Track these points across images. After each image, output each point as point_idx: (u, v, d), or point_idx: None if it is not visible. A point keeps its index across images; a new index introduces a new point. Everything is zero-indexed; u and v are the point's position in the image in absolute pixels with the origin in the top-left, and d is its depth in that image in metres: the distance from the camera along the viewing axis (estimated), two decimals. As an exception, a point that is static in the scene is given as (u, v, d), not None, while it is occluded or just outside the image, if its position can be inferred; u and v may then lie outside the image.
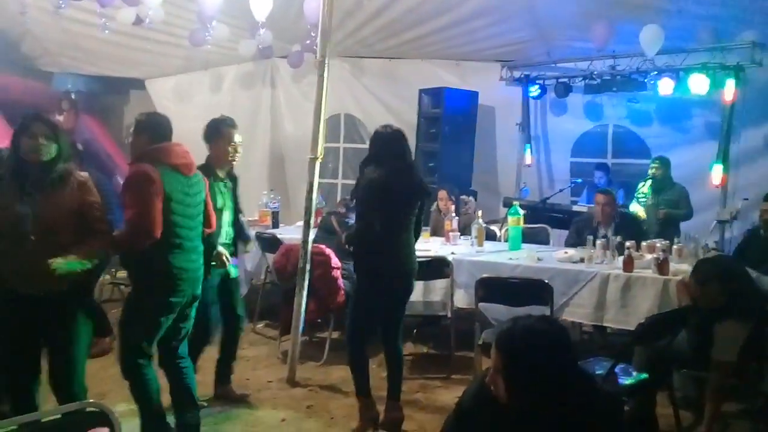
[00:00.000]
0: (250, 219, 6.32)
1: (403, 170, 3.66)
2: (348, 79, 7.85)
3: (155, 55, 7.76)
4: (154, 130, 3.27)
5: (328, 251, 4.86)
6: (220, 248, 3.76)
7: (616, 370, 3.25)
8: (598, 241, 4.66)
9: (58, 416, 2.13)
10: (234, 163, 3.96)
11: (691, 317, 3.52)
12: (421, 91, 7.31)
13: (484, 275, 4.30)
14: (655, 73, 6.23)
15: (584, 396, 1.84)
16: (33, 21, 7.02)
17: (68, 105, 8.96)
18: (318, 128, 4.38)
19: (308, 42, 6.29)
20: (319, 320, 5.05)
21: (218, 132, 3.89)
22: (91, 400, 2.23)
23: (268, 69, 8.34)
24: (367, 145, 8.04)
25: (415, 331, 5.31)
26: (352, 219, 4.70)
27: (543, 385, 1.78)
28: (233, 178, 4.08)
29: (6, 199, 2.89)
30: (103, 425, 2.05)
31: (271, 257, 5.38)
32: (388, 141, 3.72)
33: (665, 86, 6.15)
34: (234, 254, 4.04)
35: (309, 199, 4.39)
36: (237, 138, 3.92)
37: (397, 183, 3.61)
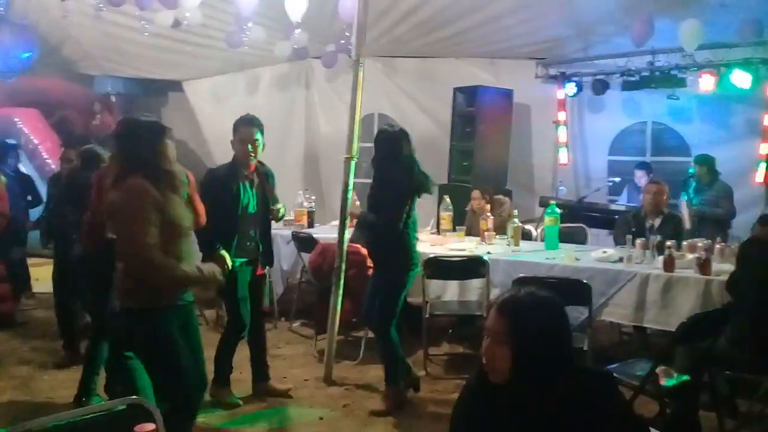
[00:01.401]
0: (285, 219, 6.39)
1: (413, 168, 3.99)
2: (382, 78, 7.86)
3: (193, 57, 7.87)
4: None
5: (364, 251, 4.87)
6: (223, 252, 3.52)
7: (657, 371, 3.20)
8: (638, 241, 4.58)
9: (104, 412, 2.19)
10: (250, 160, 3.89)
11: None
12: (456, 89, 7.28)
13: (521, 275, 4.26)
14: (696, 69, 6.10)
15: (579, 374, 1.74)
16: (74, 25, 7.19)
17: (100, 107, 9.15)
18: (353, 128, 4.40)
19: (342, 42, 6.33)
20: (354, 319, 5.07)
21: (235, 130, 3.91)
22: (134, 397, 2.27)
23: (302, 70, 8.40)
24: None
25: (450, 330, 5.30)
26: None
27: (550, 352, 1.67)
28: (267, 175, 4.09)
29: None
30: (147, 421, 2.10)
31: (306, 257, 5.42)
32: (399, 139, 3.98)
33: (706, 82, 6.01)
34: (262, 253, 4.07)
35: (344, 198, 4.41)
36: (255, 136, 3.85)
37: (415, 181, 3.94)
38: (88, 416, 2.12)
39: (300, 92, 8.53)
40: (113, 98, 9.31)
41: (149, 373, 2.99)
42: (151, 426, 1.65)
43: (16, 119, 8.09)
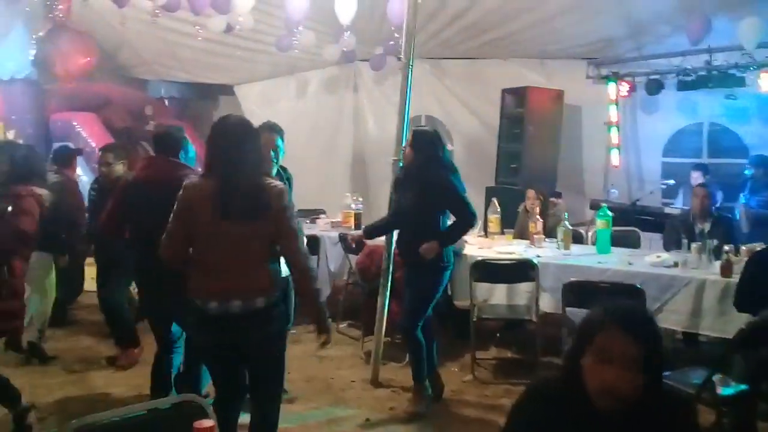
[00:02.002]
0: (333, 220, 6.45)
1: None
2: (430, 80, 7.84)
3: (244, 62, 8.01)
4: None
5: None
6: None
7: (714, 379, 3.10)
8: (693, 245, 4.44)
9: (159, 408, 2.24)
10: (272, 166, 3.84)
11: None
12: (504, 90, 7.22)
13: (572, 279, 4.19)
14: (755, 68, 5.89)
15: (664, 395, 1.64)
16: (130, 31, 7.40)
17: (151, 111, 9.39)
18: (402, 130, 4.40)
19: (392, 44, 6.34)
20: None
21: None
22: (191, 394, 2.32)
23: (351, 73, 8.45)
24: (449, 147, 8.06)
25: (498, 335, 5.25)
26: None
27: (661, 374, 1.59)
28: (288, 180, 4.05)
29: None
30: (202, 417, 2.14)
31: (353, 258, 5.45)
32: (439, 139, 4.06)
33: (766, 82, 5.81)
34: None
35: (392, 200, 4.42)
36: (277, 142, 3.80)
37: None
38: (143, 412, 2.18)
39: (348, 95, 8.58)
40: (166, 102, 9.54)
41: (266, 375, 2.91)
42: (210, 422, 1.67)
43: (74, 123, 8.37)
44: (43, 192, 3.75)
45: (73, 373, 4.69)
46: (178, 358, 3.76)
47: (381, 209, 5.90)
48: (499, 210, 5.59)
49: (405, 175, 4.10)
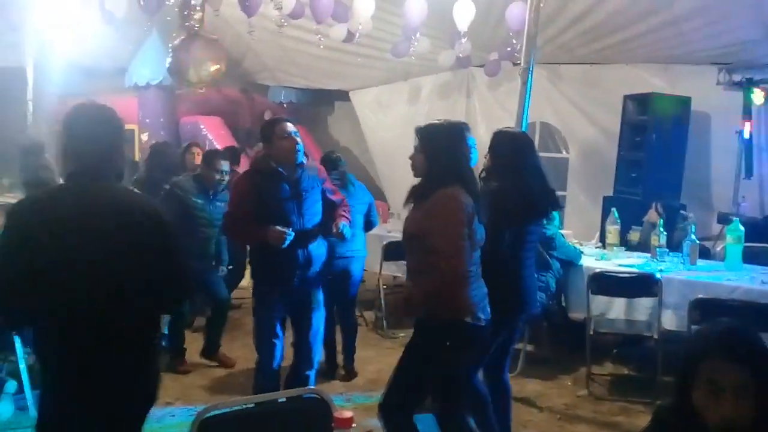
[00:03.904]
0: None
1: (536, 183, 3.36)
2: (545, 86, 7.67)
3: (360, 68, 8.18)
4: None
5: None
6: None
7: None
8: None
9: (284, 400, 2.33)
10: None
11: None
12: (626, 97, 6.93)
13: (700, 296, 3.96)
14: None
15: None
16: (255, 39, 7.76)
17: (270, 116, 9.77)
18: (520, 136, 4.34)
19: (509, 49, 6.27)
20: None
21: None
22: (312, 387, 2.40)
23: (464, 78, 8.43)
24: (564, 154, 7.87)
25: (615, 350, 5.05)
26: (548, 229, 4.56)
27: None
28: None
29: None
30: (323, 412, 2.21)
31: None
32: (525, 144, 3.45)
33: None
34: None
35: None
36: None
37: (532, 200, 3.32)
38: (268, 402, 2.28)
39: (461, 100, 8.56)
40: (284, 106, 9.93)
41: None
42: (349, 413, 1.72)
43: (201, 126, 8.91)
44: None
45: (196, 364, 4.92)
46: None
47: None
48: (619, 221, 5.38)
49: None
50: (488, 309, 2.80)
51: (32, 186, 4.83)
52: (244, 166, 6.27)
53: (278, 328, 3.60)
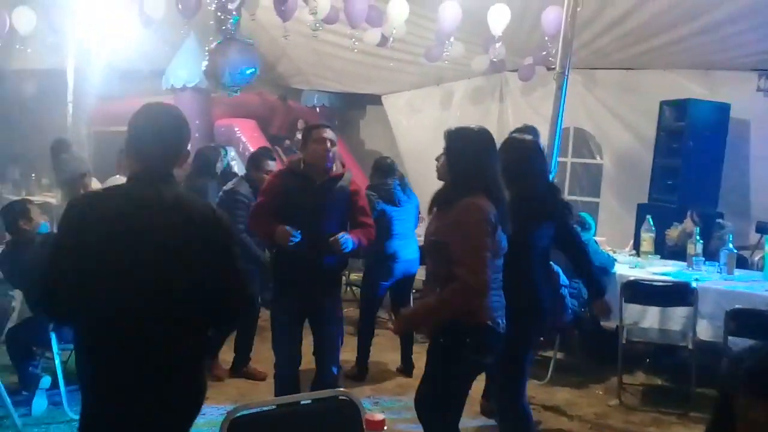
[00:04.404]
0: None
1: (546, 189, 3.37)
2: (580, 91, 7.59)
3: (393, 72, 8.20)
4: None
5: (557, 268, 4.72)
6: None
7: None
8: None
9: (313, 401, 2.34)
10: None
11: None
12: (663, 103, 6.82)
13: (737, 306, 3.87)
14: None
15: None
16: (289, 43, 7.83)
17: (303, 124, 9.85)
18: (554, 141, 4.31)
19: (544, 54, 6.21)
20: (542, 338, 4.94)
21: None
22: (342, 389, 2.40)
23: (497, 83, 8.38)
24: (598, 160, 7.76)
25: (648, 360, 4.96)
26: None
27: None
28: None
29: None
30: (353, 414, 2.21)
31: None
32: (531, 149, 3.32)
33: None
34: None
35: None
36: None
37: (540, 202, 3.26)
38: (303, 403, 2.29)
39: (493, 105, 8.51)
40: (318, 110, 10.00)
41: None
42: (381, 416, 1.71)
43: (236, 128, 9.01)
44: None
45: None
46: None
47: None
48: (653, 228, 5.29)
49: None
50: (504, 320, 2.75)
51: (64, 181, 4.87)
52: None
53: (294, 332, 3.56)
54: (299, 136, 9.53)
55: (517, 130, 3.59)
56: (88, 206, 2.12)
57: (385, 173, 4.78)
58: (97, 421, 2.12)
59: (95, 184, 4.97)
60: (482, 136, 2.78)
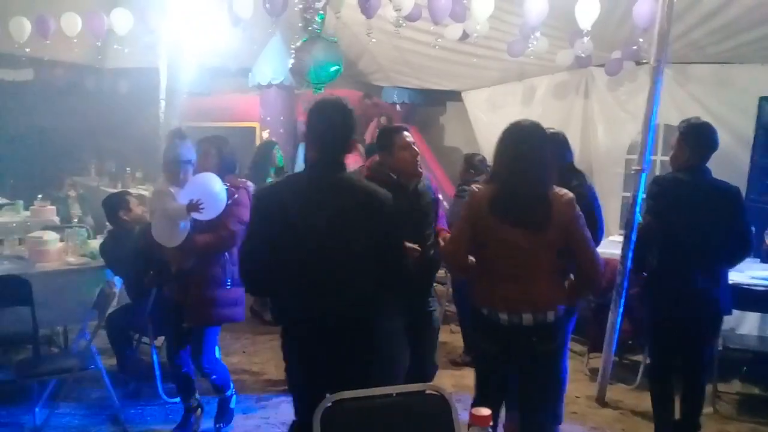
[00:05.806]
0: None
1: None
2: (670, 86, 7.26)
3: (474, 68, 8.11)
4: None
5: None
6: None
7: None
8: None
9: (403, 394, 2.35)
10: None
11: None
12: (762, 98, 6.48)
13: None
14: None
15: None
16: (371, 41, 7.88)
17: (385, 121, 9.89)
18: (647, 138, 4.16)
19: (635, 48, 5.99)
20: (630, 341, 4.79)
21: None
22: (431, 383, 2.41)
23: (582, 78, 8.15)
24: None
25: (745, 368, 4.73)
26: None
27: None
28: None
29: None
30: (444, 408, 2.20)
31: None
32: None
33: None
34: None
35: (632, 212, 4.19)
36: None
37: None
38: (392, 396, 2.30)
39: (578, 101, 8.29)
40: (398, 107, 10.03)
41: (545, 390, 2.92)
42: (487, 411, 1.70)
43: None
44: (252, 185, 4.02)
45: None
46: None
47: (608, 221, 5.59)
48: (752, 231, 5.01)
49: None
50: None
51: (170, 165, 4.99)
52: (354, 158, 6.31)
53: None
54: (364, 134, 9.56)
55: None
56: (269, 192, 2.57)
57: (478, 170, 4.86)
58: (297, 378, 2.59)
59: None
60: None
